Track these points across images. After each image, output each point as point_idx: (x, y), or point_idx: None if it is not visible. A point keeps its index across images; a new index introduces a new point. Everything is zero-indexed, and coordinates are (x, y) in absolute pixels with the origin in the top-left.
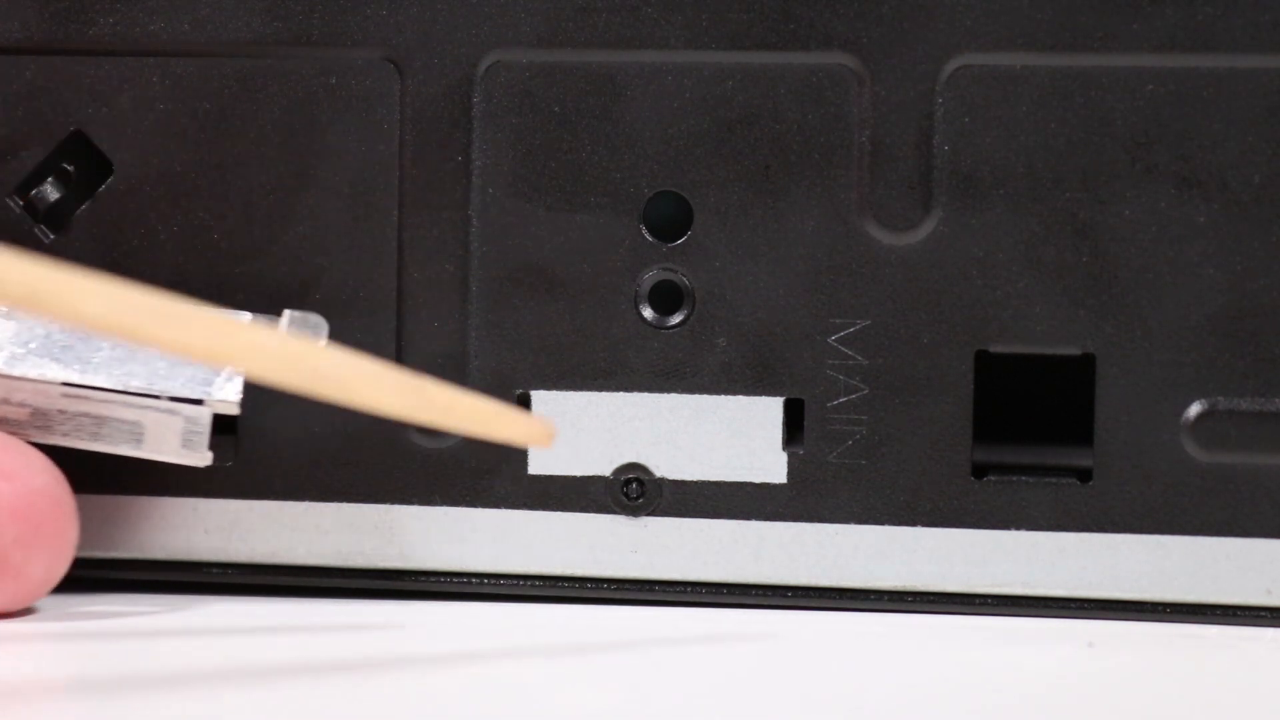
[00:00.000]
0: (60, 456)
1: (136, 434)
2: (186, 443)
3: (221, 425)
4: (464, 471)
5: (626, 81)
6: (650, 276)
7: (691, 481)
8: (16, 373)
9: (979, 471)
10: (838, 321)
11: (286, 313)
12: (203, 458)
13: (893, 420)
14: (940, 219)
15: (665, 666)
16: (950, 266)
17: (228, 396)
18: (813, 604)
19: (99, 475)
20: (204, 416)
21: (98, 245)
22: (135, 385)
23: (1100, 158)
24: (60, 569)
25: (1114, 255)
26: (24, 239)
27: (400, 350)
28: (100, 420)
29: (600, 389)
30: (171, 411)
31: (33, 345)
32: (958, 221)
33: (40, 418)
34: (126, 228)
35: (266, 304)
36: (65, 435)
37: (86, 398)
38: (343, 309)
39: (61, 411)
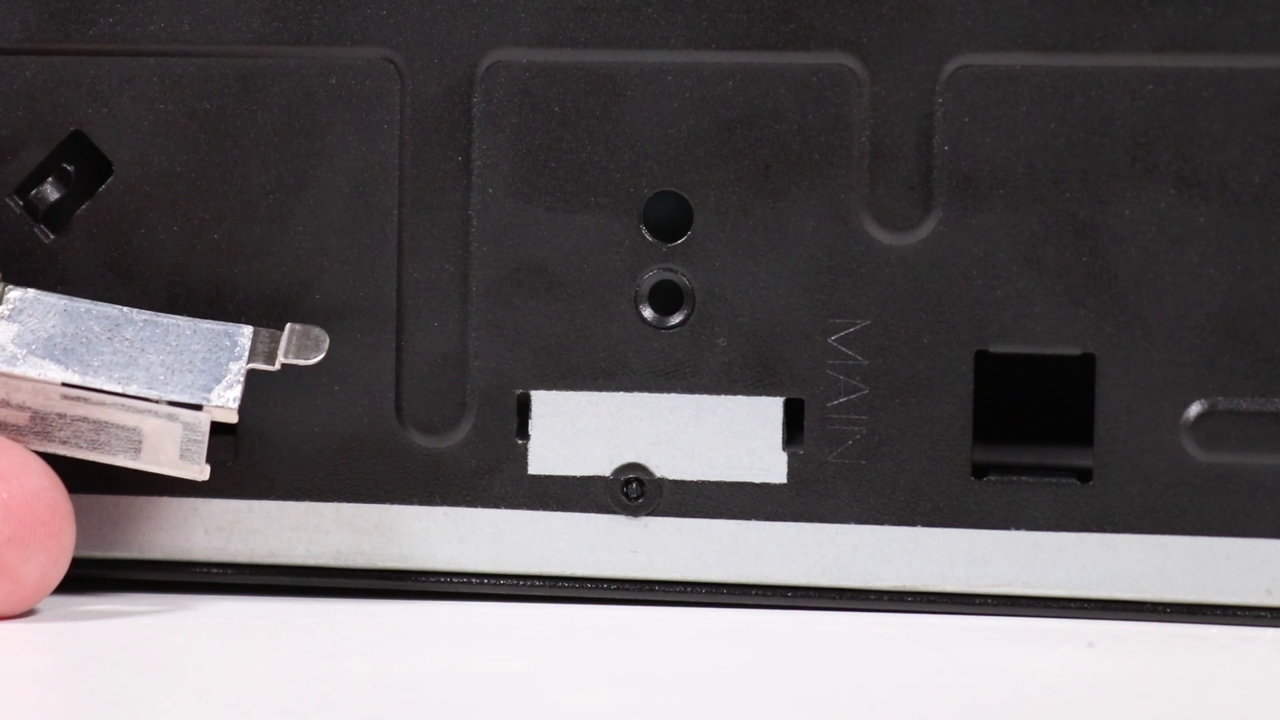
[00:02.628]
0: (60, 456)
1: (135, 441)
2: (185, 452)
3: (221, 426)
4: (464, 471)
5: (626, 81)
6: (650, 276)
7: (691, 481)
8: (17, 372)
9: (979, 471)
10: (838, 321)
11: (289, 326)
12: (201, 470)
13: (893, 420)
14: (940, 219)
15: (665, 666)
16: (950, 266)
17: (226, 404)
18: (813, 604)
19: (99, 475)
20: (203, 423)
21: (98, 245)
22: (135, 389)
23: (1100, 158)
24: (57, 573)
25: (1114, 255)
26: (24, 239)
27: (400, 350)
28: (99, 426)
29: (600, 389)
30: (170, 417)
31: (33, 346)
32: (958, 221)
33: (39, 422)
34: (126, 228)
35: (267, 304)
36: (64, 443)
37: (86, 400)
38: (343, 309)
39: (61, 415)
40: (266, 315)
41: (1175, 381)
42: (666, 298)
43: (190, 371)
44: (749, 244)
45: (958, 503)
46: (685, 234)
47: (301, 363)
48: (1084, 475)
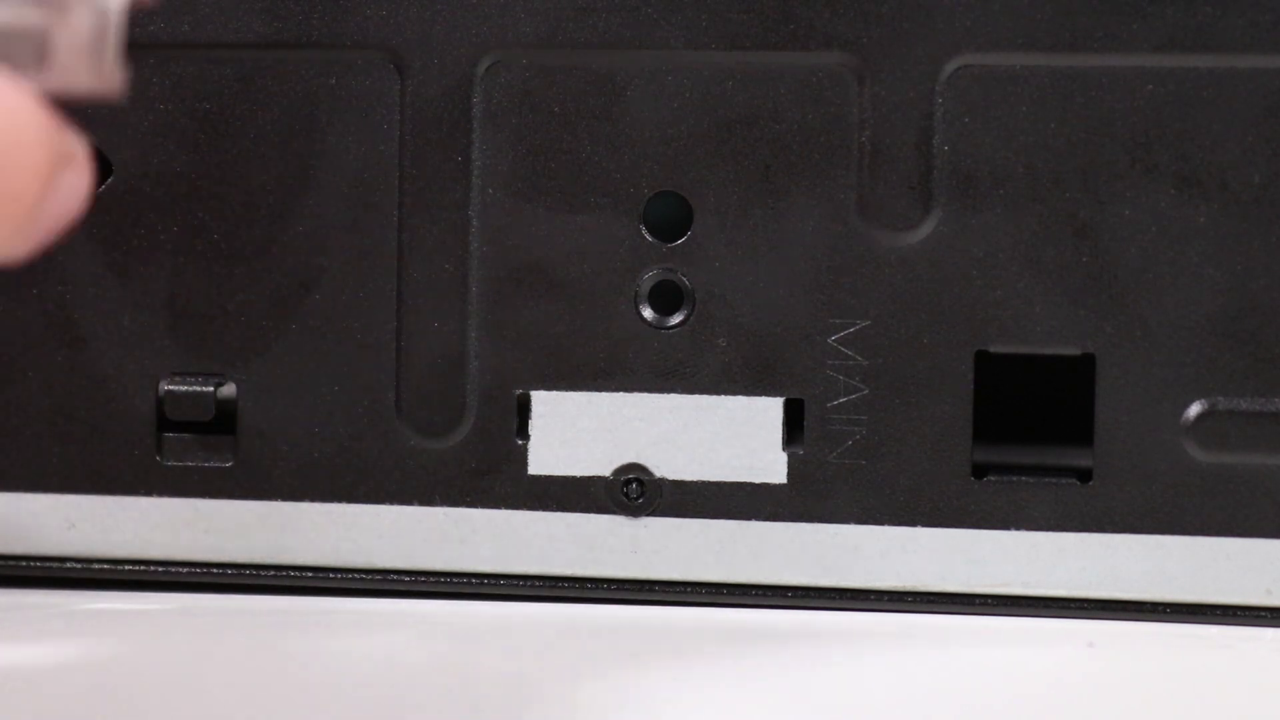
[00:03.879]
0: (65, 453)
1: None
2: (93, 44)
3: (221, 426)
4: (464, 471)
5: (626, 81)
6: (650, 276)
7: (691, 481)
8: None
9: (979, 471)
10: (838, 321)
11: None
12: (110, 71)
13: (893, 420)
14: (940, 219)
15: (665, 666)
16: (950, 266)
17: None
18: (813, 604)
19: (99, 474)
20: None
21: (98, 245)
22: None
23: (1100, 158)
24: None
25: (1114, 255)
26: None
27: (400, 350)
28: None
29: (600, 389)
30: None
31: None
32: (958, 221)
33: None
34: (126, 228)
35: (266, 304)
36: None
37: None
38: (343, 309)
39: None
40: (267, 315)
41: (1175, 381)
42: (666, 298)
43: None
44: (749, 244)
45: (958, 503)
46: (685, 234)
47: None
48: (1084, 475)
